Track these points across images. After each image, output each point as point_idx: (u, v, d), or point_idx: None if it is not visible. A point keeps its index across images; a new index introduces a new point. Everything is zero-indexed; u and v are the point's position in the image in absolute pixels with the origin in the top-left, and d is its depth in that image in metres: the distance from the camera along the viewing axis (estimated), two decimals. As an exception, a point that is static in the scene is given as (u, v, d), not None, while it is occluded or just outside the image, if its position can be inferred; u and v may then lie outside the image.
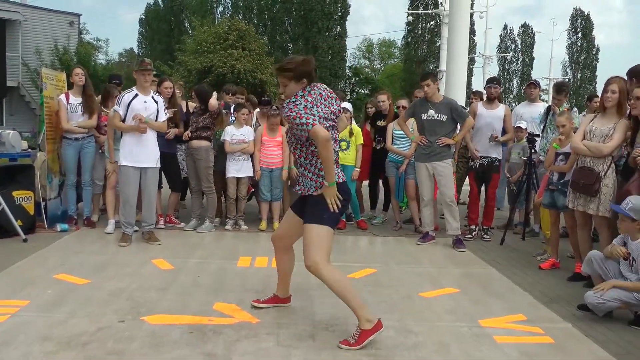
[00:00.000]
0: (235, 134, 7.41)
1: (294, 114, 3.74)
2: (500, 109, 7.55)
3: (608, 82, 5.36)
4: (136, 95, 6.38)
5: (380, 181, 8.57)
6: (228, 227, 7.52)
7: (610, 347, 3.93)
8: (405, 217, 8.35)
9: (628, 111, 5.25)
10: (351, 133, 7.70)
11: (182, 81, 14.29)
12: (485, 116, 7.45)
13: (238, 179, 7.53)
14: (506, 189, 8.63)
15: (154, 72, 7.24)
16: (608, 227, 5.28)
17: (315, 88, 3.94)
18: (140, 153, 6.37)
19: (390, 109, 8.16)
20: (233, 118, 7.95)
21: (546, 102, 7.38)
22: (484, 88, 7.86)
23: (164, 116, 6.58)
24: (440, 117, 6.85)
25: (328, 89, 4.04)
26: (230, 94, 8.50)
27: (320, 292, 4.69)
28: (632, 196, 4.56)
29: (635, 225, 4.42)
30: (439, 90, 7.09)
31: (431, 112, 6.87)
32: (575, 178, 5.41)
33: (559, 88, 7.39)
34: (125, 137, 6.38)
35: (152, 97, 6.50)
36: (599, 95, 8.41)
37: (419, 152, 7.08)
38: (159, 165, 6.61)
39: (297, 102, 3.79)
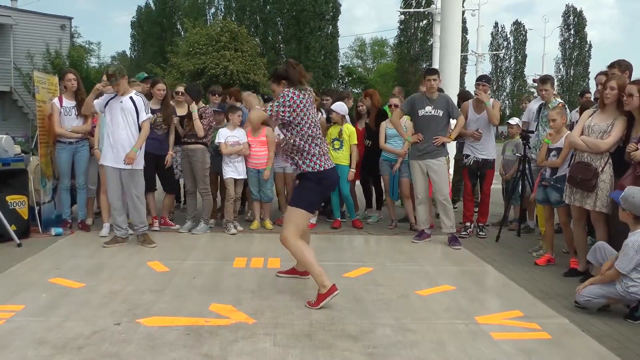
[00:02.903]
0: (229, 136, 7.39)
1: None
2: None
3: (607, 79, 5.37)
4: (115, 95, 6.42)
5: (371, 179, 8.54)
6: (234, 230, 7.38)
7: (607, 342, 3.94)
8: (400, 216, 8.35)
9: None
10: (341, 133, 7.68)
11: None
12: (474, 121, 7.43)
13: (235, 180, 7.52)
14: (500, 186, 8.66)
15: (146, 75, 7.23)
16: (605, 223, 5.29)
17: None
18: (116, 154, 6.37)
19: (372, 108, 8.18)
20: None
21: (555, 97, 7.32)
22: (474, 85, 7.85)
23: (144, 115, 6.49)
24: (437, 113, 6.89)
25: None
26: (217, 95, 8.48)
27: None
28: (629, 186, 4.57)
29: (626, 214, 4.44)
30: None
31: (429, 108, 6.90)
32: (572, 173, 5.41)
33: (543, 79, 7.34)
34: (104, 138, 6.43)
35: (130, 97, 6.43)
36: (591, 92, 8.47)
37: (412, 150, 7.08)
38: (138, 166, 6.50)
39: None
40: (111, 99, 6.42)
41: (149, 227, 6.81)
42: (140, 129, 6.49)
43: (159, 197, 7.81)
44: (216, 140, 7.41)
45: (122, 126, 6.38)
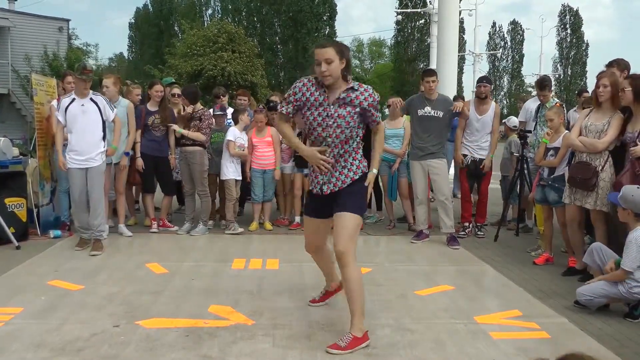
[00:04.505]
0: (238, 137, 7.44)
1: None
2: (490, 113, 7.41)
3: (599, 77, 5.38)
4: (73, 99, 6.25)
5: None
6: (238, 230, 7.42)
7: (606, 341, 3.94)
8: (398, 216, 8.34)
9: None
10: None
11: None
12: (476, 121, 7.42)
13: (236, 181, 7.54)
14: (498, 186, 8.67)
15: (172, 80, 7.16)
16: (604, 222, 5.29)
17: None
18: (83, 153, 6.20)
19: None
20: (229, 121, 7.96)
21: (553, 97, 7.36)
22: (475, 87, 7.86)
23: (111, 114, 6.38)
24: (437, 114, 6.91)
25: None
26: (221, 97, 8.50)
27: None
28: (626, 185, 4.59)
29: (626, 213, 4.45)
30: None
31: (427, 108, 6.91)
32: (572, 173, 5.42)
33: (541, 84, 7.35)
34: (70, 136, 6.26)
35: (91, 98, 6.27)
36: (589, 91, 8.48)
37: (413, 150, 7.10)
38: (95, 164, 6.24)
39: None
40: (70, 104, 6.23)
41: (104, 233, 6.55)
42: (111, 127, 6.46)
43: (157, 198, 7.81)
44: (226, 138, 7.42)
45: (86, 129, 6.21)
